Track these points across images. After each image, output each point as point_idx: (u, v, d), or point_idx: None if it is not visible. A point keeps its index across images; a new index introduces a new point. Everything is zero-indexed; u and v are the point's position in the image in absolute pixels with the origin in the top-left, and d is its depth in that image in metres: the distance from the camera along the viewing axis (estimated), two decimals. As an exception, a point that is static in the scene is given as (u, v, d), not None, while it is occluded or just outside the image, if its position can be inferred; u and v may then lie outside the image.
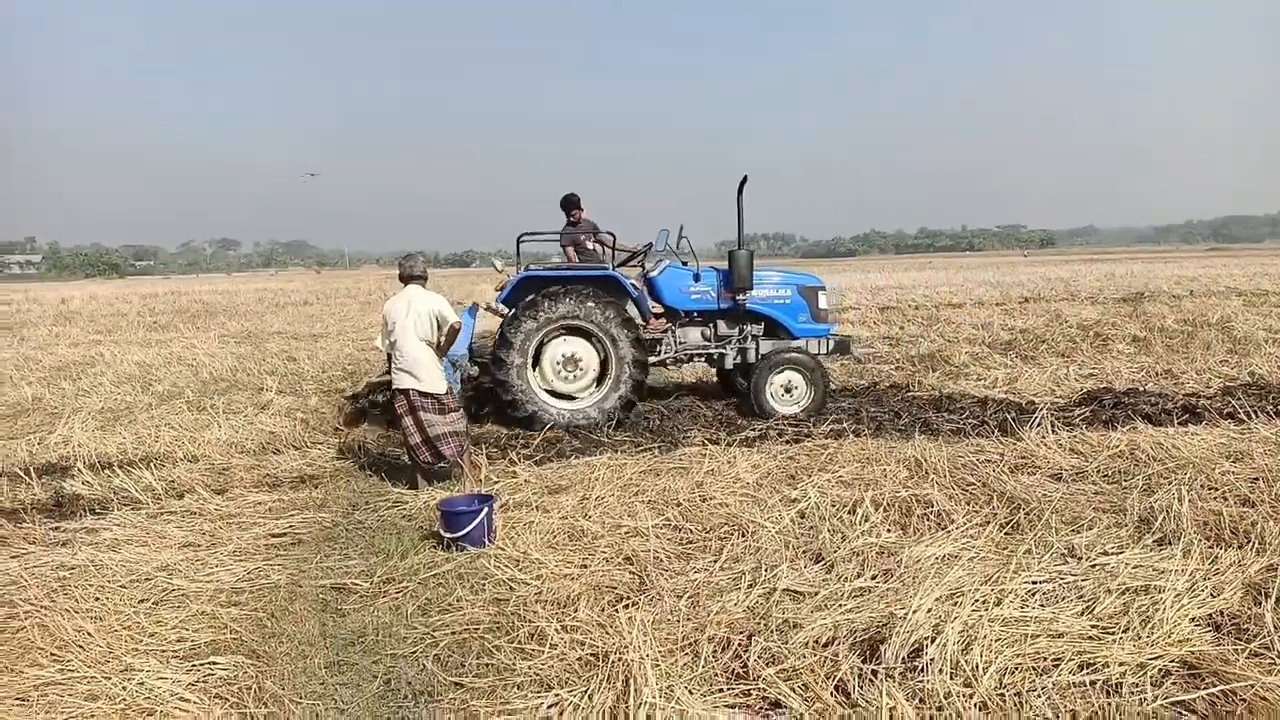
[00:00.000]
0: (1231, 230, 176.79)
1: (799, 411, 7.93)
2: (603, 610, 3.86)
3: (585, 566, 4.41)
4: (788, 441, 6.81)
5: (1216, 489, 5.03)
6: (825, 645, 3.43)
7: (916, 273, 41.49)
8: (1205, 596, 3.62)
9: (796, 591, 3.97)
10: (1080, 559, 4.10)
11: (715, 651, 3.44)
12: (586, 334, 7.80)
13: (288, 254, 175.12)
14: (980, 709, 2.91)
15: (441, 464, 5.95)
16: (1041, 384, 9.01)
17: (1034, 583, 3.83)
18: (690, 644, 3.50)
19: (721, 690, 3.18)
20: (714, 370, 9.50)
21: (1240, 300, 17.90)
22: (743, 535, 4.72)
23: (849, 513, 4.96)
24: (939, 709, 2.88)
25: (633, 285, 8.21)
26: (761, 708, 3.07)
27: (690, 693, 3.11)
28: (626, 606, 3.89)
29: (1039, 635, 3.31)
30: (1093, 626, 3.40)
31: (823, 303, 8.72)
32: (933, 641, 3.23)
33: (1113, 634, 3.33)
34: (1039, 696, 2.95)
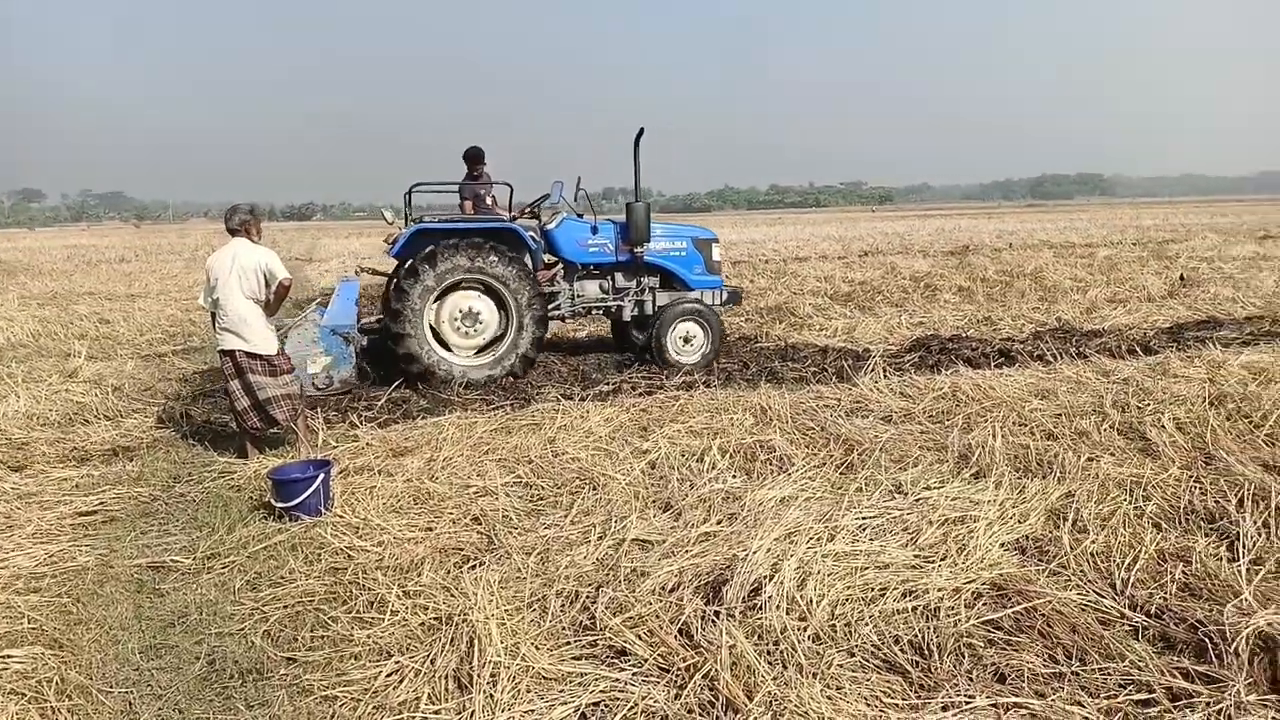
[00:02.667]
0: (1046, 188, 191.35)
1: (698, 360, 8.00)
2: (448, 573, 3.77)
3: (430, 529, 4.29)
4: (641, 394, 6.85)
5: (1026, 425, 5.44)
6: (671, 591, 3.49)
7: (767, 228, 42.69)
8: (1013, 523, 3.92)
9: (645, 540, 4.02)
10: (906, 494, 4.35)
11: (563, 606, 3.43)
12: (486, 288, 7.56)
13: (102, 206, 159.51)
14: (814, 640, 3.03)
15: (273, 429, 5.62)
16: (877, 333, 9.50)
17: (864, 518, 4.02)
18: (538, 600, 3.48)
19: (569, 643, 3.18)
20: (597, 324, 9.51)
21: (1051, 252, 19.42)
22: (594, 488, 4.72)
23: (697, 461, 5.07)
24: (775, 644, 2.98)
25: (531, 238, 7.97)
26: (607, 656, 3.09)
27: (536, 648, 3.09)
28: (473, 567, 3.82)
29: (867, 567, 3.49)
30: (916, 556, 3.61)
31: (715, 255, 8.73)
32: (771, 579, 3.34)
33: (933, 562, 3.55)
34: (867, 625, 3.10)
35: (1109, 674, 2.78)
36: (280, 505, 4.47)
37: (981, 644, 2.99)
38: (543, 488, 4.82)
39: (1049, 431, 5.32)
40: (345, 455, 5.44)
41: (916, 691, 2.78)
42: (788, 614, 3.14)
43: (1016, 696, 2.68)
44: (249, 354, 5.43)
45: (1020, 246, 21.83)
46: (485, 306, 7.59)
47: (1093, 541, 3.73)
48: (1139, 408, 5.69)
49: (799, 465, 4.83)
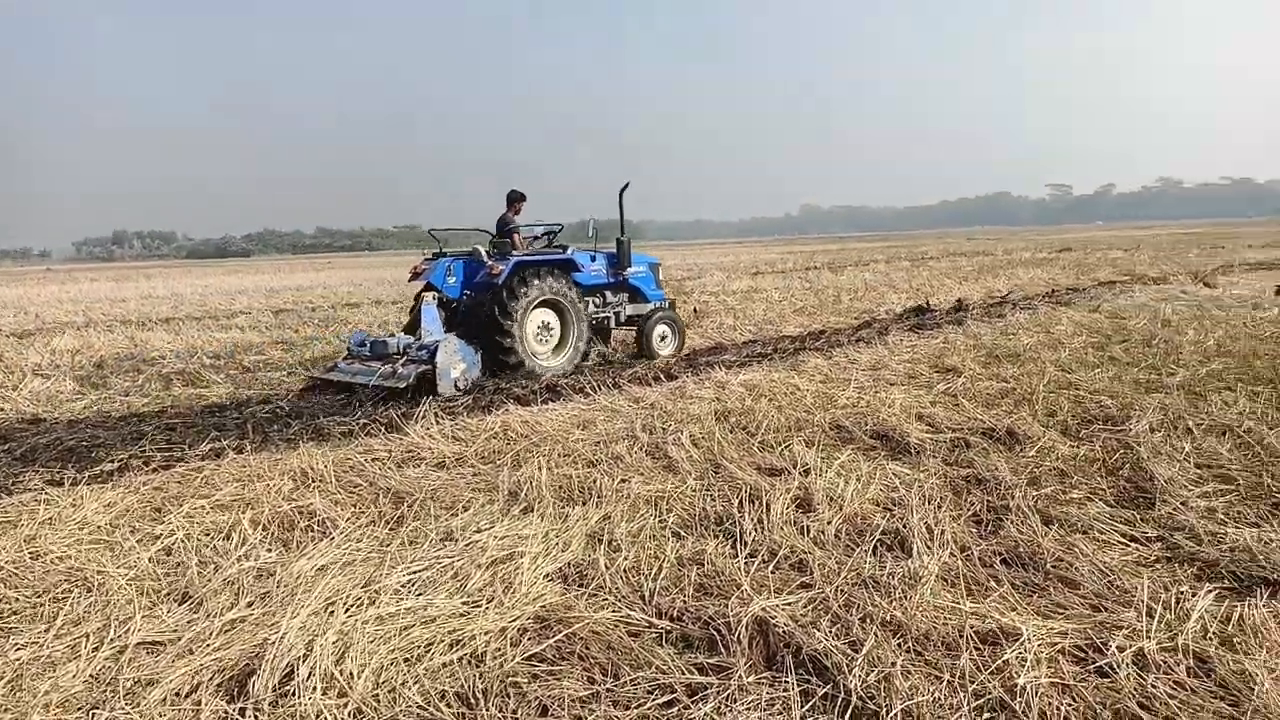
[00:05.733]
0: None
1: (671, 352, 10.81)
2: None
3: None
4: (155, 469, 5.93)
5: (570, 455, 5.75)
6: (187, 696, 3.00)
7: (315, 273, 40.78)
8: (557, 552, 4.07)
9: (155, 642, 3.42)
10: (457, 540, 4.29)
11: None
12: (557, 307, 9.70)
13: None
14: (355, 716, 2.80)
15: None
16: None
17: (413, 573, 3.88)
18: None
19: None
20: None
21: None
22: (88, 590, 3.93)
23: (224, 539, 4.49)
24: (312, 731, 2.70)
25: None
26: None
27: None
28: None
29: (413, 625, 3.34)
30: (463, 604, 3.56)
31: (660, 275, 11.48)
32: (305, 659, 3.04)
33: (480, 606, 3.53)
34: (411, 686, 2.95)
35: (638, 683, 2.96)
36: None
37: (526, 679, 3.01)
38: (15, 600, 3.89)
39: (590, 459, 5.68)
40: None
41: (464, 746, 2.69)
42: (325, 694, 2.87)
43: (559, 727, 2.73)
44: None
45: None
46: (555, 321, 9.77)
47: (625, 558, 4.01)
48: (663, 429, 6.34)
49: (343, 528, 4.52)
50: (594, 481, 5.12)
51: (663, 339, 10.88)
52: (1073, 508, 4.45)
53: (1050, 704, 2.68)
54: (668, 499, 4.81)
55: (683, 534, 4.37)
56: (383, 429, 6.79)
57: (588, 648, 3.19)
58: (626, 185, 10.64)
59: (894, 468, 5.26)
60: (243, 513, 4.76)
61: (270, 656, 3.07)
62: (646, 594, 3.68)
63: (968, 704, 2.70)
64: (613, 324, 10.98)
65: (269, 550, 4.32)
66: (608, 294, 10.86)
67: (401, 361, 8.49)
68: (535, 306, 9.42)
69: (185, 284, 37.74)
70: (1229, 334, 9.89)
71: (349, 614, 3.38)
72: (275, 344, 13.05)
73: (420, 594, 3.66)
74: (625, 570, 3.92)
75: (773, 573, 3.84)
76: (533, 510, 4.70)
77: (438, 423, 6.77)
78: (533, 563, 3.90)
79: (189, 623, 3.56)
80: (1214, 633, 3.09)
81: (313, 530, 4.59)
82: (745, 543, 4.16)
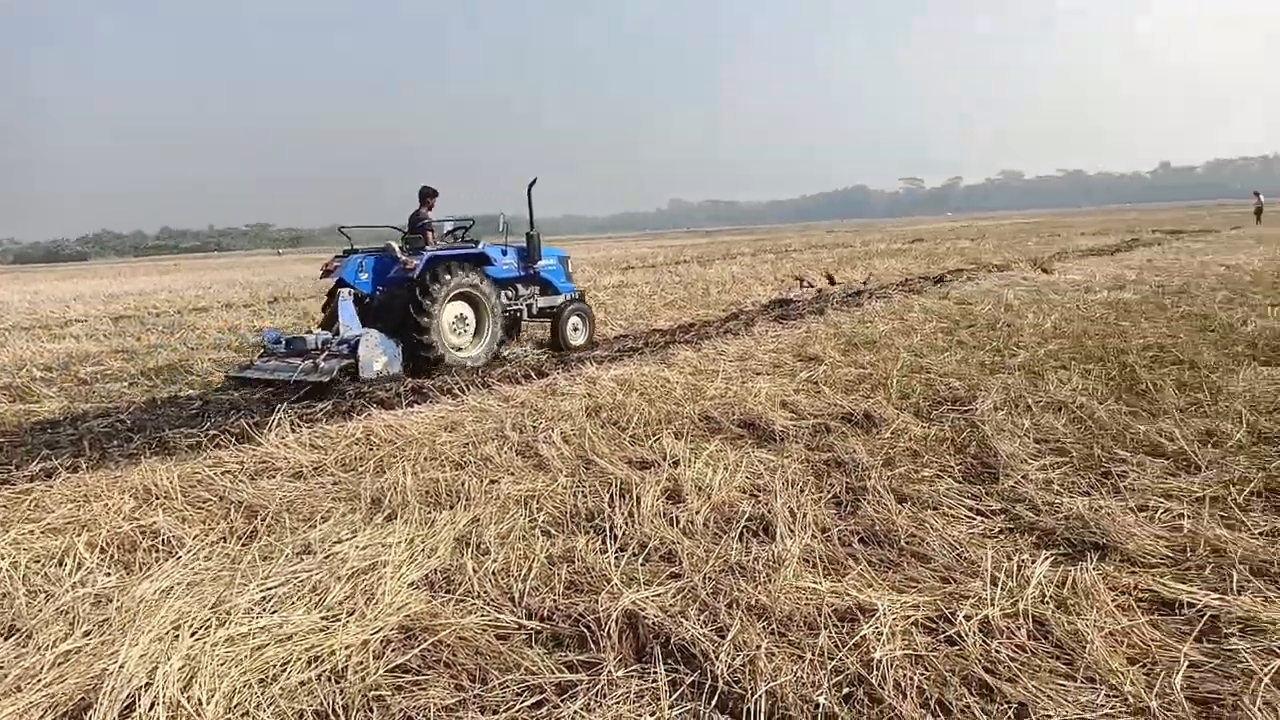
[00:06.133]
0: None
1: (584, 341, 11.24)
2: None
3: None
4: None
5: (436, 458, 5.61)
6: (13, 740, 2.75)
7: (160, 276, 38.36)
8: (422, 559, 3.96)
9: (-25, 684, 3.11)
10: (315, 553, 4.10)
11: None
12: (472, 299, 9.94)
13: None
14: (204, 748, 2.63)
15: None
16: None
17: (268, 589, 3.68)
18: None
19: None
20: None
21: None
22: (-108, 633, 3.54)
23: (56, 564, 4.15)
24: (153, 767, 2.51)
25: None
26: None
27: None
28: None
29: (267, 644, 3.17)
30: (322, 618, 3.40)
31: (569, 268, 11.84)
32: (147, 689, 2.83)
33: (340, 620, 3.38)
34: (266, 709, 2.80)
35: (507, 686, 2.91)
36: None
37: (390, 692, 2.91)
38: None
39: (457, 462, 5.55)
40: None
41: (324, 767, 2.57)
42: (170, 725, 2.68)
43: (425, 738, 2.65)
44: None
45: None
46: (470, 312, 9.97)
47: (494, 561, 3.93)
48: (534, 427, 6.28)
49: (190, 546, 4.25)
50: (462, 484, 5.01)
51: (575, 330, 11.28)
52: (924, 485, 4.68)
53: (904, 675, 2.80)
54: (538, 498, 4.76)
55: (553, 532, 4.33)
56: (233, 440, 6.43)
57: (455, 655, 3.11)
58: (534, 181, 10.91)
59: (760, 455, 5.39)
60: (78, 535, 4.40)
61: (109, 688, 2.85)
62: (516, 595, 3.63)
63: (827, 681, 2.78)
64: (525, 316, 11.24)
65: (108, 574, 4.01)
66: (519, 287, 11.08)
67: (322, 356, 8.53)
68: (450, 299, 9.61)
69: (12, 290, 34.74)
70: (1064, 316, 10.65)
71: (196, 637, 3.17)
72: (115, 353, 12.18)
73: (275, 611, 3.47)
74: (494, 573, 3.85)
75: (643, 565, 3.86)
76: (397, 517, 4.55)
77: (294, 431, 6.47)
78: (396, 571, 3.77)
79: (17, 658, 3.26)
80: (1051, 597, 3.31)
81: (157, 551, 4.29)
82: (616, 537, 4.17)
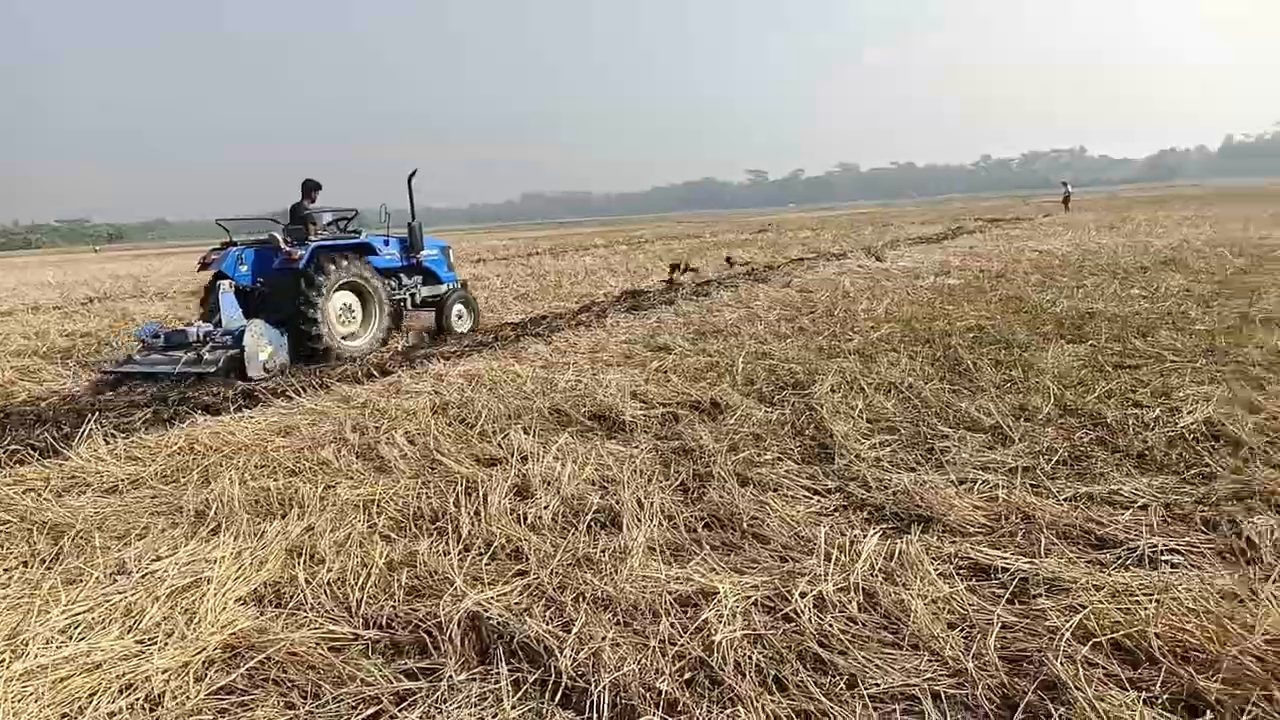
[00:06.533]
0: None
1: (470, 328, 11.47)
2: None
3: None
4: None
5: (268, 466, 5.30)
6: None
7: (-44, 280, 34.54)
8: (251, 573, 3.72)
9: None
10: (131, 573, 3.79)
11: None
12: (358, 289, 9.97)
13: None
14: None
15: None
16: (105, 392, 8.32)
17: (74, 615, 3.37)
18: None
19: None
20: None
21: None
22: None
23: None
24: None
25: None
26: None
27: None
28: None
29: (73, 675, 2.90)
30: (137, 643, 3.15)
31: (451, 258, 12.00)
32: (-77, 741, 2.53)
33: (157, 643, 3.14)
34: (66, 749, 2.56)
35: (342, 700, 2.78)
36: None
37: (211, 716, 2.72)
38: None
39: (291, 468, 5.27)
40: None
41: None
42: (-51, 777, 2.40)
43: (251, 763, 2.49)
44: None
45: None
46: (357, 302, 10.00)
47: (329, 570, 3.75)
48: (375, 428, 6.04)
49: (-20, 573, 3.84)
50: (296, 492, 4.76)
51: (459, 317, 11.50)
52: (765, 469, 4.82)
53: (743, 655, 2.87)
54: (379, 501, 4.58)
55: (395, 536, 4.18)
56: (37, 455, 5.85)
57: (285, 671, 2.95)
58: (414, 172, 10.93)
59: (610, 446, 5.40)
60: None
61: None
62: (353, 605, 3.47)
63: (669, 668, 2.81)
64: (409, 306, 11.34)
65: (-123, 614, 3.56)
66: (403, 276, 11.24)
67: (207, 348, 8.56)
68: (336, 289, 9.65)
69: None
70: (895, 301, 11.26)
71: (-14, 675, 2.86)
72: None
73: (83, 638, 3.18)
74: (329, 583, 3.67)
75: (489, 565, 3.78)
76: (223, 530, 4.26)
77: (108, 442, 5.96)
78: (221, 587, 3.53)
79: None
80: (880, 570, 3.47)
81: (-58, 583, 3.85)
82: (461, 538, 4.07)
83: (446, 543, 4.02)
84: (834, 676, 2.77)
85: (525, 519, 4.27)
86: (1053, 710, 2.51)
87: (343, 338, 9.74)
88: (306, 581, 3.62)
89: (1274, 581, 3.11)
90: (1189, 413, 5.20)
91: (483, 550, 3.93)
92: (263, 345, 8.66)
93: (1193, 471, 4.40)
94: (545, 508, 4.37)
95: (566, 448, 5.33)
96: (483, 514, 4.33)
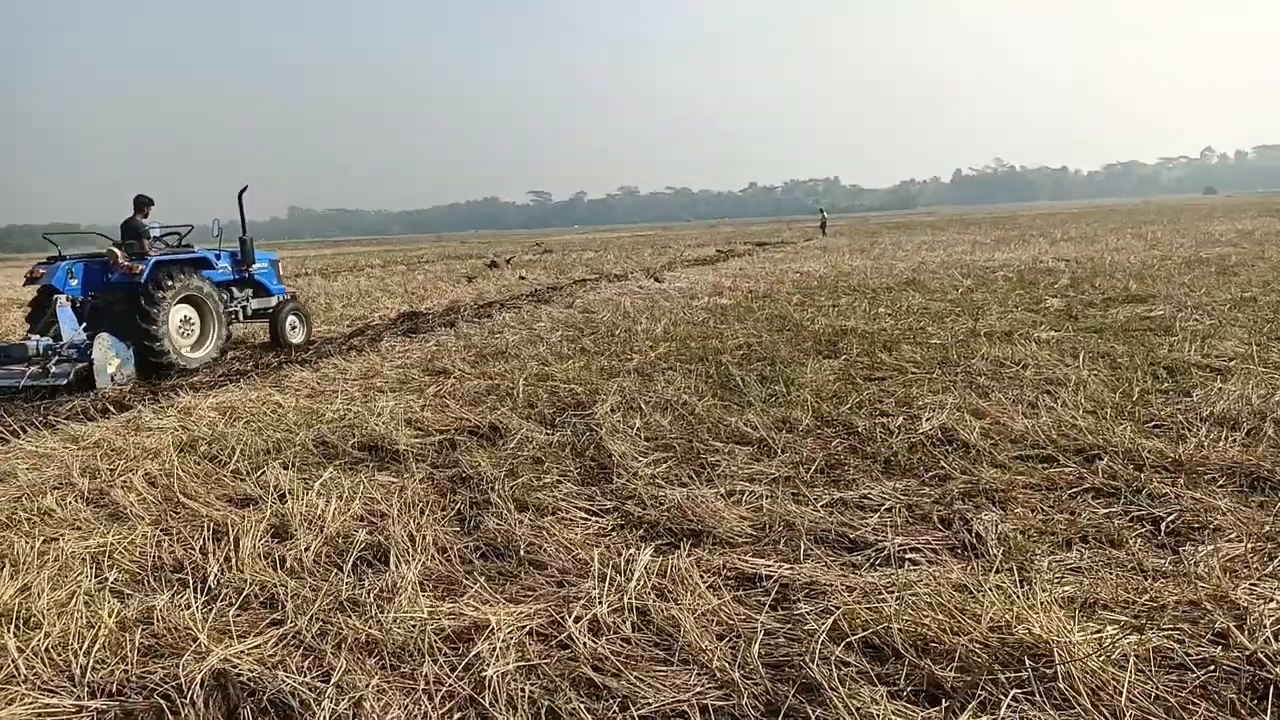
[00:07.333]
0: (15, 239, 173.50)
1: (303, 339, 11.72)
2: None
3: None
4: None
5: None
6: None
7: None
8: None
9: None
10: None
11: None
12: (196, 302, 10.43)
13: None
14: None
15: None
16: None
17: None
18: None
19: None
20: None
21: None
22: None
23: None
24: None
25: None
26: None
27: None
28: None
29: None
30: None
31: (281, 270, 12.35)
32: None
33: None
34: None
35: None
36: None
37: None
38: None
39: (4, 521, 4.60)
40: None
41: None
42: None
43: None
44: None
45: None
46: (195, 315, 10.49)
47: (46, 636, 3.28)
48: (110, 470, 5.41)
49: None
50: (10, 547, 4.15)
51: (293, 328, 11.77)
52: (544, 492, 4.77)
53: (516, 688, 2.79)
54: (110, 553, 4.08)
55: (129, 592, 3.73)
56: None
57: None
58: (245, 188, 11.43)
59: (381, 478, 5.14)
60: None
61: None
62: (77, 672, 3.05)
63: (437, 711, 2.68)
64: (240, 318, 11.62)
65: None
66: (235, 290, 11.52)
67: (53, 361, 8.63)
68: (176, 303, 9.95)
69: None
70: (672, 321, 11.64)
71: None
72: None
73: None
74: (48, 649, 3.21)
75: (239, 615, 3.46)
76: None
77: None
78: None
79: None
80: (652, 587, 3.52)
81: None
82: (208, 588, 3.70)
83: (190, 594, 3.64)
84: (607, 701, 2.75)
85: (283, 563, 3.95)
86: (811, 713, 2.63)
87: (182, 349, 10.03)
88: (19, 650, 3.14)
89: (997, 573, 3.46)
90: (927, 419, 5.72)
91: (232, 600, 3.59)
92: (111, 358, 8.82)
93: (931, 474, 4.83)
94: (306, 549, 4.07)
95: (332, 482, 5.02)
96: (234, 560, 3.97)
